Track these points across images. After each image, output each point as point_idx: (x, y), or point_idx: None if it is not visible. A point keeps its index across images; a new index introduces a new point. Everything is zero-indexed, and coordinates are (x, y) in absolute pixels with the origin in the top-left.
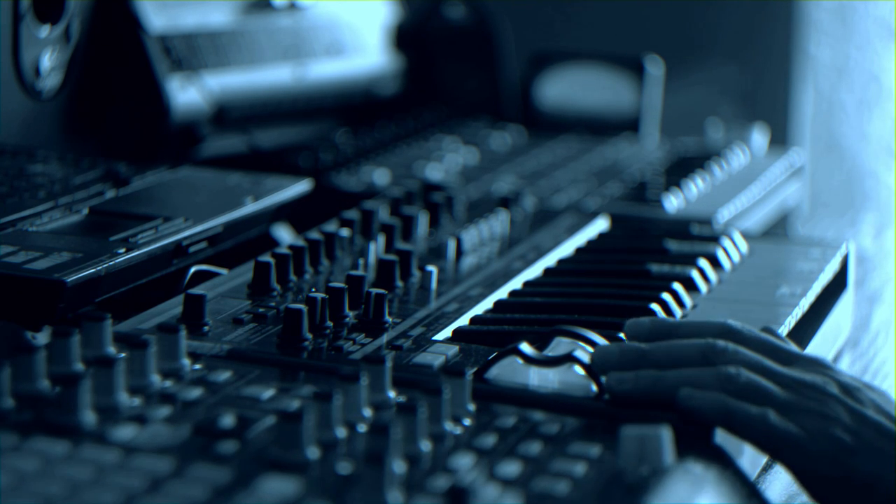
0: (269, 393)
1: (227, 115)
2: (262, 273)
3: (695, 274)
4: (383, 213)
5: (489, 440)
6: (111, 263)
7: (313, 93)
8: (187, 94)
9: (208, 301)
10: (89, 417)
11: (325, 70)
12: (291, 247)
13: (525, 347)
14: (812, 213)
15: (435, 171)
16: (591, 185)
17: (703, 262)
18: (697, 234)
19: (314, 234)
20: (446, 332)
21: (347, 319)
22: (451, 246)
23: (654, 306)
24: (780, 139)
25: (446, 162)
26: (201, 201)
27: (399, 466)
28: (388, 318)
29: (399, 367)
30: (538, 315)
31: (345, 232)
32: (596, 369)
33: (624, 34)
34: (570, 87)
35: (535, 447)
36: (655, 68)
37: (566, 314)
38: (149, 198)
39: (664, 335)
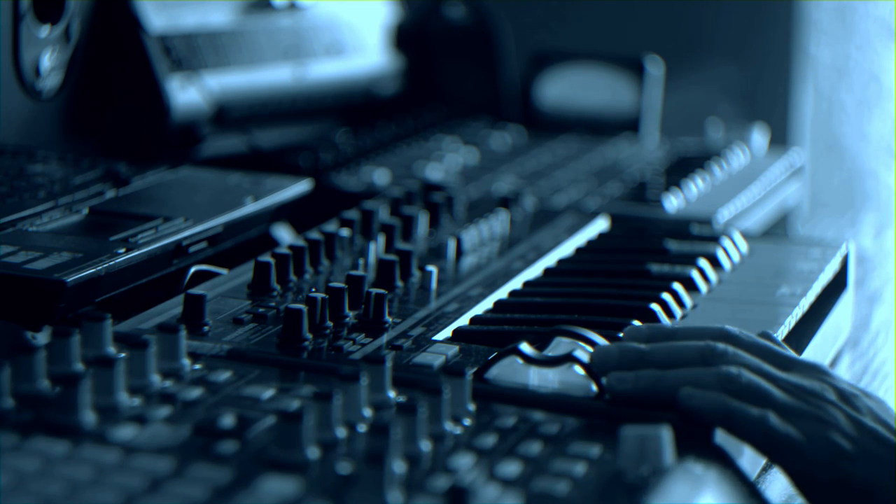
0: (269, 393)
1: (227, 115)
2: (262, 273)
3: (695, 274)
4: (383, 213)
5: (489, 440)
6: (111, 263)
7: (313, 93)
8: (187, 94)
9: (208, 301)
10: (89, 417)
11: (325, 70)
12: (291, 247)
13: (525, 347)
14: (812, 213)
15: (435, 171)
16: (591, 185)
17: (703, 262)
18: (697, 234)
19: (314, 234)
20: (446, 332)
21: (347, 319)
22: (451, 246)
23: (654, 306)
24: (780, 139)
25: (446, 162)
26: (201, 201)
27: (399, 466)
28: (388, 318)
29: (399, 367)
30: (538, 315)
31: (345, 232)
32: (596, 369)
33: (624, 34)
34: (570, 87)
35: (535, 447)
36: (655, 68)
37: (566, 314)
38: (149, 198)
39: (662, 340)
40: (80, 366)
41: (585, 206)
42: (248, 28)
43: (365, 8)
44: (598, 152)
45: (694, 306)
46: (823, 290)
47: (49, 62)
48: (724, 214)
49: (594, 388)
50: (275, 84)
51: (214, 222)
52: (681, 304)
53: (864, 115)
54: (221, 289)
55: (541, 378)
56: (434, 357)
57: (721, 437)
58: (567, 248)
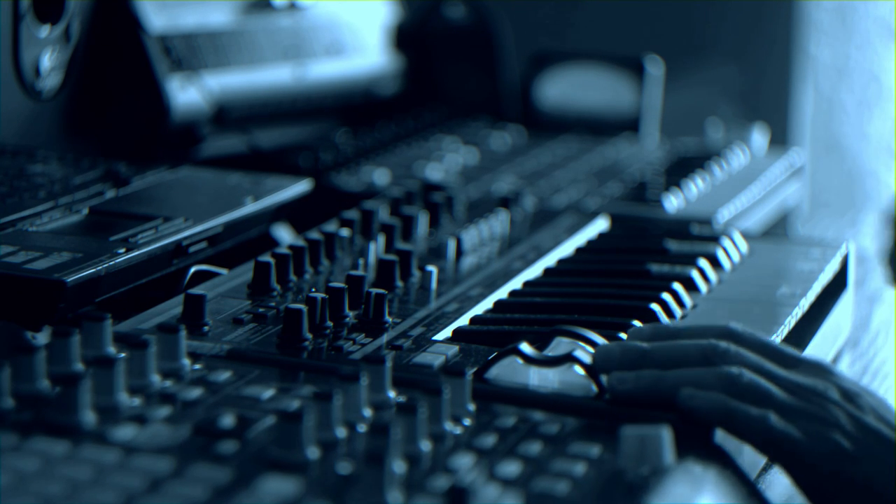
0: (269, 393)
1: (227, 115)
2: (262, 273)
3: (695, 274)
4: (383, 213)
5: (489, 440)
6: (111, 263)
7: (313, 93)
8: (187, 94)
9: (208, 301)
10: (89, 417)
11: (325, 70)
12: (291, 247)
13: (525, 347)
14: (812, 213)
15: (435, 171)
16: (591, 185)
17: (703, 262)
18: (697, 234)
19: (314, 234)
20: (446, 332)
21: (347, 319)
22: (451, 246)
23: (654, 306)
24: (780, 139)
25: (446, 162)
26: (201, 201)
27: (399, 466)
28: (388, 318)
29: (399, 367)
30: (538, 315)
31: (345, 232)
32: (597, 368)
33: (624, 34)
34: (570, 87)
35: (535, 447)
36: (655, 68)
37: (566, 314)
38: (149, 198)
39: (666, 339)
40: (80, 366)
41: (585, 206)
42: (248, 28)
43: (365, 8)
44: (598, 152)
45: (694, 306)
46: (823, 290)
47: (49, 62)
48: (724, 214)
49: (594, 388)
50: (275, 84)
51: (214, 222)
52: (681, 304)
53: (864, 115)
54: (221, 289)
55: (541, 378)
56: (434, 357)
57: (721, 437)
58: (567, 248)
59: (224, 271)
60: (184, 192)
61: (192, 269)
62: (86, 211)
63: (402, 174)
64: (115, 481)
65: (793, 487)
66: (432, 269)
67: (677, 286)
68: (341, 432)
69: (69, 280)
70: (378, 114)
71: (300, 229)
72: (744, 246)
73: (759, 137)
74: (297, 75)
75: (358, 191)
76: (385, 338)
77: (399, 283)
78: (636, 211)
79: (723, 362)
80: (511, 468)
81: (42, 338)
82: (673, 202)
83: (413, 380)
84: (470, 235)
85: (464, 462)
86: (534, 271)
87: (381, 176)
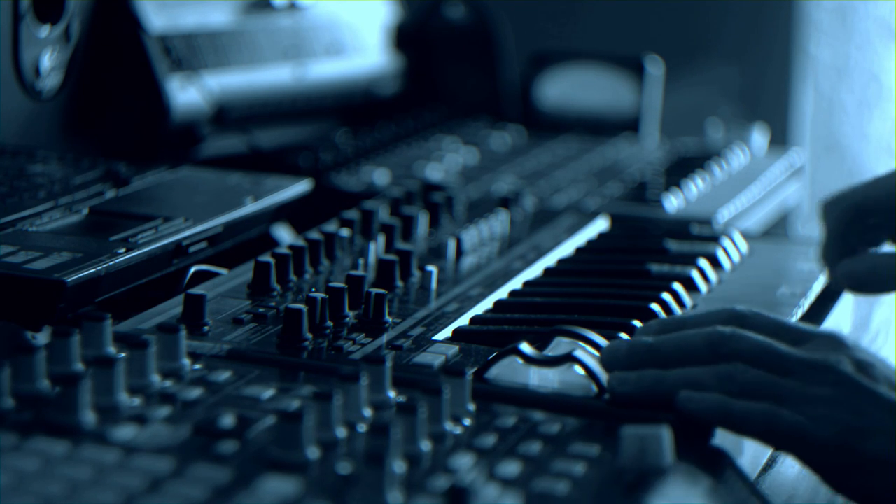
0: (269, 393)
1: (227, 115)
2: (262, 273)
3: (695, 274)
4: (383, 213)
5: (489, 440)
6: (111, 263)
7: (313, 93)
8: (187, 94)
9: (208, 301)
10: (89, 417)
11: (325, 70)
12: (291, 247)
13: (525, 347)
14: (812, 213)
15: (435, 171)
16: (591, 185)
17: (703, 262)
18: (697, 234)
19: (314, 234)
20: (446, 332)
21: (347, 319)
22: (451, 246)
23: (654, 306)
24: (780, 139)
25: (446, 162)
26: (201, 201)
27: (399, 466)
28: (388, 318)
29: (399, 367)
30: (538, 315)
31: (345, 232)
32: (604, 366)
33: (624, 34)
34: (570, 87)
35: (535, 447)
36: (655, 68)
37: (566, 314)
38: (149, 198)
39: (673, 331)
40: (80, 366)
41: (585, 206)
42: (248, 28)
43: (365, 8)
44: (598, 152)
45: (694, 306)
46: (823, 290)
47: (49, 62)
48: (724, 214)
49: (594, 388)
50: (275, 84)
51: (214, 222)
52: (681, 304)
53: (864, 115)
54: (221, 289)
55: (541, 378)
56: (434, 357)
57: (721, 437)
58: (567, 248)
59: (224, 271)
60: (184, 192)
61: (192, 269)
62: (86, 211)
63: (402, 174)
64: (115, 481)
65: (793, 486)
66: (432, 269)
67: (677, 286)
68: (341, 432)
69: (69, 280)
70: (378, 114)
71: (300, 229)
72: (744, 246)
73: (759, 137)
74: (297, 75)
75: (358, 191)
76: (385, 338)
77: (399, 283)
78: (636, 211)
79: (727, 348)
80: (511, 468)
81: (42, 338)
82: (673, 202)
83: (413, 380)
84: (470, 235)
85: (464, 462)
86: (534, 271)
87: (381, 176)
